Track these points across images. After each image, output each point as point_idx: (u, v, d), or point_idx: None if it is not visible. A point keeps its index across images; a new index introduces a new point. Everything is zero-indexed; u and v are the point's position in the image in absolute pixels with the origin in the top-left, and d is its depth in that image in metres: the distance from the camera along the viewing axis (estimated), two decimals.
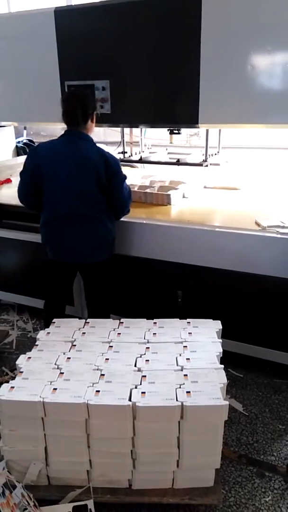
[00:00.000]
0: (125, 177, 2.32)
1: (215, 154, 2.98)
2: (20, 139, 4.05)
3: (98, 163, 2.19)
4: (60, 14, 2.67)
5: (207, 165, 2.86)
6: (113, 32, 2.53)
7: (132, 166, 3.70)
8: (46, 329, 2.10)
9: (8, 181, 3.49)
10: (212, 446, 1.66)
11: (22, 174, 2.32)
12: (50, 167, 2.21)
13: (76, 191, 2.21)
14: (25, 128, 4.18)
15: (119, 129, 3.20)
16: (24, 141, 4.06)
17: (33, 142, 4.09)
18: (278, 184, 3.16)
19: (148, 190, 2.91)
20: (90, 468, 1.70)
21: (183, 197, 2.94)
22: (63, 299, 2.58)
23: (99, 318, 2.22)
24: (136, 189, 2.93)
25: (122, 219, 2.50)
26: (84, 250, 2.33)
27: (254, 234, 2.31)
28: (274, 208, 2.65)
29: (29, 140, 4.11)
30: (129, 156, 3.21)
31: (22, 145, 3.98)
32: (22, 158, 3.63)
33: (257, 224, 2.38)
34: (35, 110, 2.95)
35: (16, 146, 3.94)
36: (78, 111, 2.19)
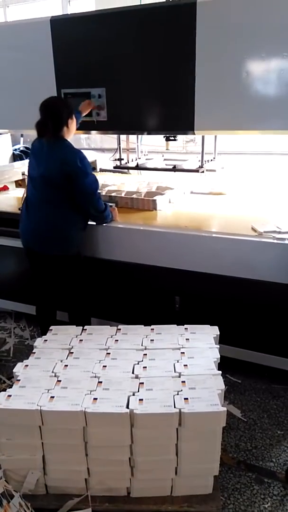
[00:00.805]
0: (86, 174, 2.34)
1: (211, 160, 2.99)
2: (17, 146, 4.07)
3: (56, 159, 2.29)
4: (56, 23, 2.69)
5: (203, 171, 2.88)
6: (109, 40, 2.55)
7: (125, 173, 3.71)
8: (43, 336, 2.09)
9: (5, 188, 3.49)
10: (210, 452, 1.65)
11: None
12: (30, 164, 2.47)
13: (35, 180, 2.37)
14: (22, 136, 4.20)
15: (115, 136, 3.21)
16: (21, 148, 4.08)
17: (30, 150, 4.10)
18: (274, 189, 3.18)
19: (134, 196, 2.95)
20: (88, 476, 1.70)
21: (169, 202, 2.97)
22: (50, 298, 2.65)
23: (78, 321, 2.29)
24: (123, 194, 2.97)
25: (119, 225, 2.51)
26: (38, 239, 2.43)
27: (251, 239, 2.32)
28: (270, 214, 2.66)
29: (26, 147, 4.13)
30: (126, 162, 3.23)
31: (19, 153, 4.00)
32: (19, 164, 3.65)
33: (254, 229, 2.39)
34: (32, 118, 2.95)
35: (13, 153, 3.95)
36: (49, 124, 2.29)
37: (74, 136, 3.70)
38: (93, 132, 3.09)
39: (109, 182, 3.34)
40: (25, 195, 2.53)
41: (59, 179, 2.29)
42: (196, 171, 2.89)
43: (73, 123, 2.39)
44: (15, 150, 4.00)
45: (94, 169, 3.82)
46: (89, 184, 2.35)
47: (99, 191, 2.45)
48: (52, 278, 2.57)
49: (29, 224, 2.45)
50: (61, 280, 2.55)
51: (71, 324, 2.30)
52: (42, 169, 2.32)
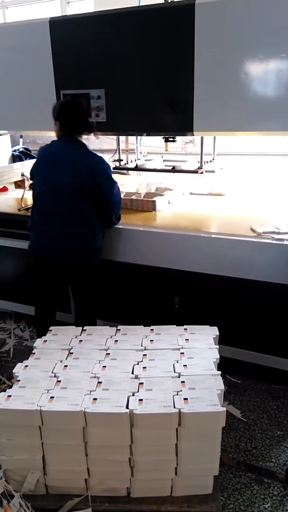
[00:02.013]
0: (114, 183, 2.35)
1: (210, 161, 3.00)
2: (16, 147, 4.07)
3: (86, 167, 2.25)
4: (55, 24, 2.69)
5: (202, 172, 2.88)
6: (108, 42, 2.56)
7: (124, 174, 3.72)
8: (43, 336, 2.09)
9: (4, 189, 3.50)
10: (210, 453, 1.65)
11: None
12: (40, 166, 2.37)
13: (59, 187, 2.25)
14: (21, 137, 4.20)
15: (114, 137, 3.22)
16: (21, 149, 4.08)
17: (29, 151, 4.11)
18: (273, 190, 3.19)
19: (133, 197, 2.95)
20: (88, 476, 1.70)
21: (169, 203, 2.98)
22: (51, 301, 2.61)
23: (84, 324, 2.26)
24: (122, 196, 2.94)
25: (118, 226, 2.51)
26: (61, 250, 2.35)
27: (250, 240, 2.33)
28: (269, 214, 2.67)
29: (25, 148, 4.13)
30: (125, 163, 3.23)
31: (18, 153, 4.00)
32: (18, 165, 3.65)
33: (253, 230, 2.40)
34: (31, 118, 2.97)
35: (13, 154, 3.96)
36: (76, 120, 2.30)
37: None
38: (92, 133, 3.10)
39: None
40: (29, 201, 2.50)
41: (89, 187, 2.24)
42: (195, 172, 2.89)
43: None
44: (14, 151, 4.00)
45: None
46: (116, 193, 2.36)
47: None
48: (63, 285, 2.53)
49: (49, 235, 2.35)
50: (80, 288, 2.51)
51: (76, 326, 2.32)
52: (70, 177, 2.23)
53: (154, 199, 2.88)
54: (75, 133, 2.34)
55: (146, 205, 2.87)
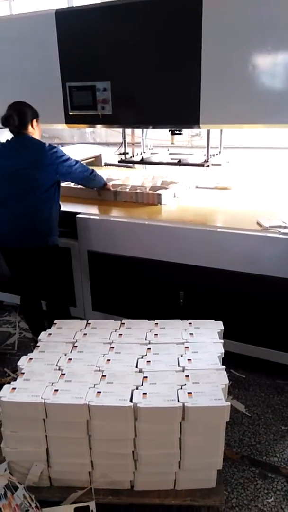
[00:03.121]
0: (67, 158, 2.46)
1: (217, 154, 2.97)
2: None
3: (39, 151, 2.38)
4: (61, 15, 2.67)
5: (208, 166, 2.86)
6: (114, 33, 2.54)
7: (129, 167, 3.70)
8: (47, 330, 2.10)
9: None
10: (214, 447, 1.65)
11: None
12: None
13: (13, 173, 2.35)
14: None
15: (120, 130, 3.20)
16: None
17: None
18: (280, 184, 3.15)
19: (139, 190, 2.94)
20: (92, 469, 1.70)
21: (174, 196, 2.96)
22: (33, 293, 2.72)
23: (56, 314, 2.37)
24: (127, 189, 2.97)
25: (123, 219, 2.51)
26: (20, 233, 2.42)
27: (256, 234, 2.31)
28: (276, 208, 2.64)
29: None
30: (131, 157, 3.21)
31: None
32: None
33: (259, 224, 2.38)
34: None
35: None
36: (14, 118, 2.35)
37: (79, 131, 3.71)
38: (98, 126, 3.09)
39: (114, 176, 3.34)
40: None
41: (37, 169, 2.36)
42: (202, 165, 2.87)
43: (38, 126, 2.48)
44: None
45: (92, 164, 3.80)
46: (69, 165, 2.46)
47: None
48: (33, 270, 2.59)
49: (5, 222, 2.44)
50: (41, 271, 2.58)
51: (49, 314, 2.51)
52: (17, 164, 2.35)
53: (159, 192, 2.87)
54: (21, 129, 2.41)
55: (151, 198, 2.86)
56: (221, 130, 2.95)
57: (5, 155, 2.41)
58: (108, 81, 2.64)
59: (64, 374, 1.74)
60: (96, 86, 2.66)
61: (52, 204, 2.47)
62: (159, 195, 2.83)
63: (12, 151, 2.40)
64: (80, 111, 2.79)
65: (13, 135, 2.43)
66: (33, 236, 2.43)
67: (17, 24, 2.90)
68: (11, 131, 2.41)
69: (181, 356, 1.84)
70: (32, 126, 2.42)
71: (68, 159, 2.47)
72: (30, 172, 2.36)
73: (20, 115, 2.36)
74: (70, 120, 2.87)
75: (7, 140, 2.44)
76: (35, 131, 2.45)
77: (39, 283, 2.65)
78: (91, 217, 2.71)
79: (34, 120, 2.44)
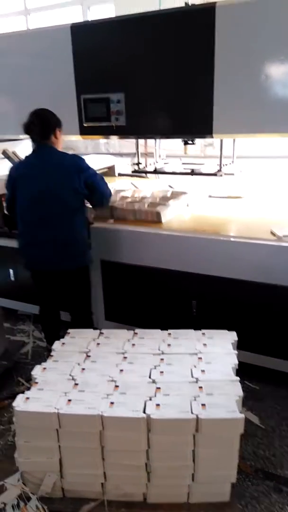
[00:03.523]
0: (95, 173, 2.38)
1: (230, 164, 2.97)
2: None
3: (69, 166, 2.30)
4: (77, 30, 2.72)
5: (221, 175, 2.86)
6: (128, 46, 2.57)
7: (142, 177, 3.72)
8: (61, 339, 2.11)
9: None
10: (228, 459, 1.63)
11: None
12: (22, 178, 2.34)
13: (41, 196, 2.28)
14: None
15: (133, 140, 3.23)
16: None
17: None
18: None
19: (136, 207, 2.77)
20: (105, 480, 1.70)
21: (187, 206, 2.95)
22: (54, 305, 2.68)
23: (81, 322, 2.39)
24: (124, 206, 2.82)
25: (135, 229, 2.51)
26: (52, 256, 2.37)
27: (270, 244, 2.29)
28: None
29: None
30: (144, 167, 3.24)
31: None
32: None
33: (273, 233, 2.36)
34: None
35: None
36: (37, 127, 2.30)
37: (93, 141, 3.74)
38: (112, 137, 3.12)
39: (126, 187, 3.35)
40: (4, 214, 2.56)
41: (70, 189, 2.28)
42: (214, 174, 2.87)
43: (61, 136, 2.40)
44: None
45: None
46: (102, 182, 2.39)
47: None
48: (64, 289, 2.55)
49: (39, 245, 2.36)
50: (72, 290, 2.54)
51: (73, 325, 2.43)
52: (44, 185, 2.27)
53: (158, 209, 2.69)
54: (44, 139, 2.33)
55: (150, 216, 2.70)
56: (233, 140, 2.95)
57: (31, 174, 2.31)
58: (122, 93, 2.66)
59: (77, 384, 1.74)
60: (110, 98, 2.69)
61: (84, 222, 2.43)
62: (158, 213, 2.68)
63: (38, 170, 2.30)
64: (95, 122, 2.82)
65: (34, 145, 2.36)
66: (66, 259, 2.38)
67: (33, 38, 2.96)
68: (33, 139, 2.35)
69: (195, 366, 1.83)
70: (55, 135, 2.34)
71: (96, 174, 2.38)
72: (60, 194, 2.27)
73: (43, 123, 2.29)
74: (84, 131, 2.90)
75: (30, 155, 2.38)
76: (57, 141, 2.37)
77: (65, 298, 2.61)
78: (104, 226, 2.72)
79: (57, 129, 2.35)
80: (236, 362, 1.88)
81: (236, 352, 1.95)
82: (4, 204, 2.59)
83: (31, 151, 2.41)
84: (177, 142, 3.04)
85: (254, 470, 2.00)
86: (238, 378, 1.76)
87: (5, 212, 2.63)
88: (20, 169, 2.40)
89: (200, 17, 2.34)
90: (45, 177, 2.28)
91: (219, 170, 2.86)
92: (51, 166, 2.30)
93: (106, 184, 2.44)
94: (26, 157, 2.43)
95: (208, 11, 2.27)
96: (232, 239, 2.39)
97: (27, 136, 2.38)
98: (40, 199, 2.28)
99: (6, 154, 3.26)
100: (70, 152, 2.53)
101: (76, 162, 2.32)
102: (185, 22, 2.39)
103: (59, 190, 2.27)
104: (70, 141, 2.51)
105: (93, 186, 2.33)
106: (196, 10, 2.37)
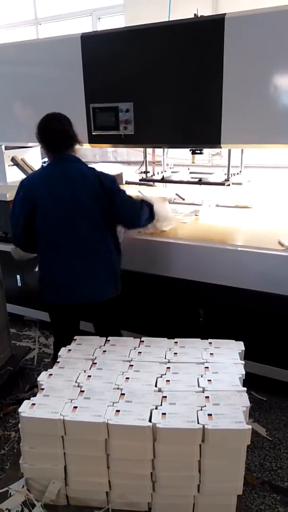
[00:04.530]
0: (123, 191, 2.16)
1: (238, 173, 2.98)
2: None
3: (93, 182, 2.07)
4: (87, 39, 2.76)
5: (229, 185, 2.87)
6: (137, 56, 2.60)
7: (150, 185, 3.74)
8: (67, 346, 2.11)
9: None
10: (234, 471, 1.61)
11: (13, 210, 2.15)
12: (44, 198, 2.07)
13: (66, 215, 2.05)
14: None
15: (141, 149, 3.25)
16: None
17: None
18: None
19: None
20: (110, 489, 1.68)
21: (195, 215, 2.94)
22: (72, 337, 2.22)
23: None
24: None
25: (142, 237, 2.51)
26: (86, 288, 2.14)
27: (278, 253, 2.29)
28: None
29: None
30: (151, 175, 3.25)
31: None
32: None
33: (281, 243, 2.36)
34: None
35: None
36: (64, 135, 2.09)
37: (101, 150, 3.76)
38: (120, 145, 3.14)
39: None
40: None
41: (96, 200, 2.06)
42: (222, 184, 2.88)
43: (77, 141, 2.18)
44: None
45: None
46: (129, 201, 2.15)
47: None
48: (95, 322, 2.38)
49: (69, 275, 2.11)
50: (108, 321, 2.35)
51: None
52: (70, 203, 2.04)
53: None
54: (63, 149, 2.11)
55: None
56: (242, 150, 2.96)
57: (54, 193, 2.04)
58: (130, 102, 2.69)
59: (83, 391, 1.74)
60: (119, 107, 2.72)
61: (117, 244, 2.22)
62: None
63: (61, 189, 2.04)
64: (103, 131, 2.84)
65: (51, 157, 2.12)
66: (105, 288, 2.14)
67: (44, 47, 3.00)
68: (50, 149, 2.12)
69: (201, 376, 1.82)
70: (75, 144, 2.10)
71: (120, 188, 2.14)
72: (90, 212, 2.03)
73: (65, 129, 2.08)
74: (93, 140, 2.93)
75: (46, 167, 2.17)
76: (76, 153, 2.12)
77: (97, 326, 2.40)
78: None
79: (77, 138, 2.11)
80: (243, 372, 1.86)
81: (243, 362, 1.94)
82: (14, 229, 2.18)
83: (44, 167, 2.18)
84: (185, 151, 3.05)
85: (261, 482, 1.98)
86: (245, 389, 1.74)
87: (15, 238, 2.24)
88: (40, 184, 2.11)
89: (209, 28, 2.36)
90: (68, 194, 2.04)
91: (227, 180, 2.87)
92: (74, 178, 2.07)
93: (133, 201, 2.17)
94: (42, 168, 2.23)
95: (218, 22, 2.29)
96: (239, 248, 2.39)
97: (36, 143, 2.27)
98: (60, 219, 2.04)
99: (15, 161, 3.30)
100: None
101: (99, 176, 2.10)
102: (194, 33, 2.42)
103: (90, 208, 2.05)
104: (78, 149, 2.53)
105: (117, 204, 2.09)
106: (205, 21, 2.40)
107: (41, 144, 2.17)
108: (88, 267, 2.10)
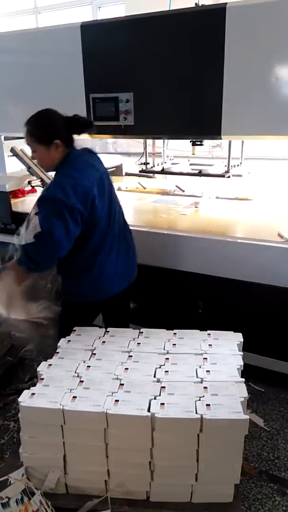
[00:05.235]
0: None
1: (238, 165, 2.97)
2: None
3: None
4: (87, 29, 2.73)
5: (229, 176, 2.86)
6: (138, 46, 2.57)
7: (150, 177, 3.73)
8: (66, 337, 2.11)
9: (33, 190, 3.56)
10: (231, 460, 1.63)
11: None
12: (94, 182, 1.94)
13: (114, 199, 2.09)
14: None
15: (141, 140, 3.24)
16: None
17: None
18: None
19: None
20: (108, 478, 1.70)
21: (195, 207, 2.93)
22: None
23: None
24: None
25: (142, 228, 2.51)
26: (133, 265, 2.20)
27: (277, 246, 2.29)
28: None
29: None
30: (151, 167, 3.24)
31: None
32: None
33: (280, 236, 2.36)
34: None
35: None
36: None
37: (101, 141, 3.74)
38: (120, 136, 3.13)
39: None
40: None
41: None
42: (222, 176, 2.87)
43: None
44: None
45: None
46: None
47: None
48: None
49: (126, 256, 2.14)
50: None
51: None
52: (109, 184, 2.07)
53: None
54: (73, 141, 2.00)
55: None
56: (242, 141, 2.95)
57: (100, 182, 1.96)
58: (130, 93, 2.67)
59: (82, 381, 1.75)
60: (119, 97, 2.70)
61: None
62: None
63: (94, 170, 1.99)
64: (103, 121, 2.83)
65: (70, 147, 1.97)
66: (136, 266, 2.21)
67: (43, 37, 2.98)
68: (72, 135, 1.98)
69: (200, 367, 1.83)
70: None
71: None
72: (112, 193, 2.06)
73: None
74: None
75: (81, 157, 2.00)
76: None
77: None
78: None
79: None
80: (241, 363, 1.87)
81: (241, 353, 1.95)
82: (68, 235, 1.82)
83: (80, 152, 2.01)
84: (185, 143, 3.04)
85: (258, 472, 2.00)
86: (243, 379, 1.75)
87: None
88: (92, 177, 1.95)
89: (210, 17, 2.34)
90: (101, 178, 2.00)
91: (227, 171, 2.86)
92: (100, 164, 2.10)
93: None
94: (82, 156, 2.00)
95: (219, 11, 2.27)
96: (239, 240, 2.39)
97: None
98: (110, 202, 2.04)
99: (14, 152, 3.29)
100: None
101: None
102: (195, 23, 2.39)
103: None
104: (77, 139, 2.51)
105: None
106: (207, 10, 2.37)
107: (68, 134, 1.98)
108: (131, 245, 2.18)
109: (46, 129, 1.95)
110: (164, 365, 1.86)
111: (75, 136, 2.03)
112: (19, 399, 1.66)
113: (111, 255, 2.05)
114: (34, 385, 1.76)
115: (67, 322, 2.17)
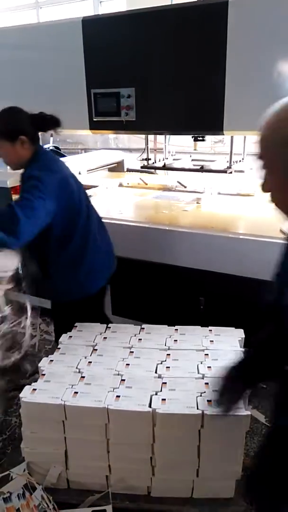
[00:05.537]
0: None
1: (240, 161, 2.96)
2: (46, 146, 4.13)
3: None
4: (88, 23, 2.72)
5: (231, 172, 2.85)
6: (139, 41, 2.56)
7: (151, 173, 3.71)
8: (68, 332, 2.12)
9: None
10: (233, 456, 1.63)
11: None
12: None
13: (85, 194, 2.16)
14: (51, 135, 4.26)
15: (143, 136, 3.23)
16: (51, 147, 4.14)
17: (59, 149, 4.16)
18: None
19: None
20: (109, 473, 1.71)
21: (197, 203, 2.92)
22: None
23: None
24: None
25: (143, 224, 2.51)
26: (113, 256, 2.30)
27: (279, 242, 2.27)
28: None
29: (55, 147, 4.19)
30: (153, 162, 3.23)
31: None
32: None
33: (282, 232, 2.35)
34: (61, 117, 2.99)
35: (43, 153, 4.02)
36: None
37: (103, 137, 3.74)
38: (121, 132, 3.12)
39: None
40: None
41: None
42: (224, 171, 2.86)
43: None
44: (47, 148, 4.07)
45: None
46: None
47: None
48: None
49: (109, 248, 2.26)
50: None
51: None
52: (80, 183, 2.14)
53: None
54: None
55: None
56: (244, 137, 2.93)
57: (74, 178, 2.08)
58: (132, 88, 2.66)
59: (84, 377, 1.75)
60: (121, 92, 2.69)
61: None
62: None
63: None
64: (104, 117, 2.82)
65: (37, 145, 2.05)
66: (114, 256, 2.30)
67: (44, 32, 2.96)
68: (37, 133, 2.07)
69: (201, 363, 1.83)
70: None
71: None
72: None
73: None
74: (94, 126, 2.90)
75: (51, 155, 2.18)
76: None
77: None
78: (112, 221, 2.72)
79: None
80: None
81: (243, 349, 1.95)
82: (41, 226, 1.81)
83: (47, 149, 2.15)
84: (187, 138, 3.03)
85: None
86: None
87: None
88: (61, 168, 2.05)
89: (212, 12, 2.32)
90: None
91: (229, 167, 2.85)
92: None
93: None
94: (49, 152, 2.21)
95: (221, 6, 2.25)
96: (241, 236, 2.38)
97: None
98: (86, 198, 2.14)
99: None
100: (79, 146, 2.52)
101: None
102: (197, 17, 2.37)
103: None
104: (79, 135, 2.51)
105: None
106: (209, 5, 2.35)
107: (41, 132, 2.12)
108: (107, 237, 2.24)
109: (11, 125, 1.95)
110: (165, 361, 1.86)
111: (79, 133, 2.08)
112: (21, 395, 1.66)
113: (96, 246, 2.14)
114: (36, 381, 1.76)
115: (64, 323, 2.19)
